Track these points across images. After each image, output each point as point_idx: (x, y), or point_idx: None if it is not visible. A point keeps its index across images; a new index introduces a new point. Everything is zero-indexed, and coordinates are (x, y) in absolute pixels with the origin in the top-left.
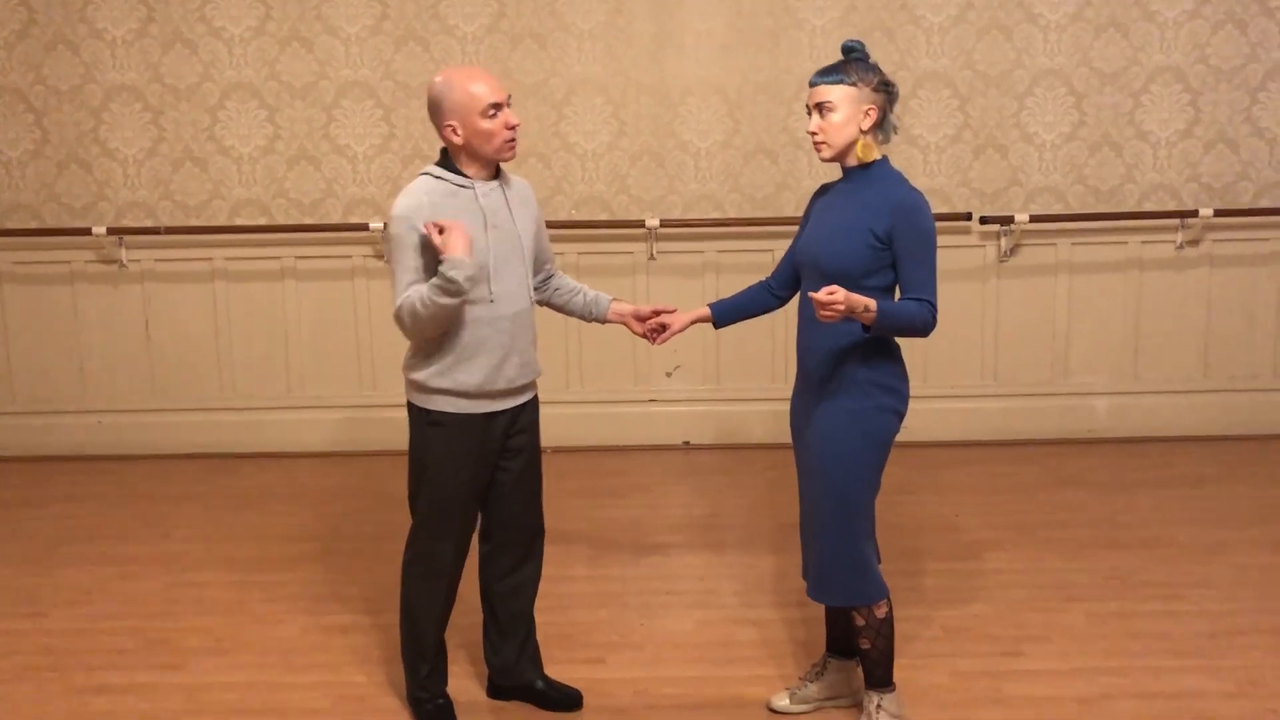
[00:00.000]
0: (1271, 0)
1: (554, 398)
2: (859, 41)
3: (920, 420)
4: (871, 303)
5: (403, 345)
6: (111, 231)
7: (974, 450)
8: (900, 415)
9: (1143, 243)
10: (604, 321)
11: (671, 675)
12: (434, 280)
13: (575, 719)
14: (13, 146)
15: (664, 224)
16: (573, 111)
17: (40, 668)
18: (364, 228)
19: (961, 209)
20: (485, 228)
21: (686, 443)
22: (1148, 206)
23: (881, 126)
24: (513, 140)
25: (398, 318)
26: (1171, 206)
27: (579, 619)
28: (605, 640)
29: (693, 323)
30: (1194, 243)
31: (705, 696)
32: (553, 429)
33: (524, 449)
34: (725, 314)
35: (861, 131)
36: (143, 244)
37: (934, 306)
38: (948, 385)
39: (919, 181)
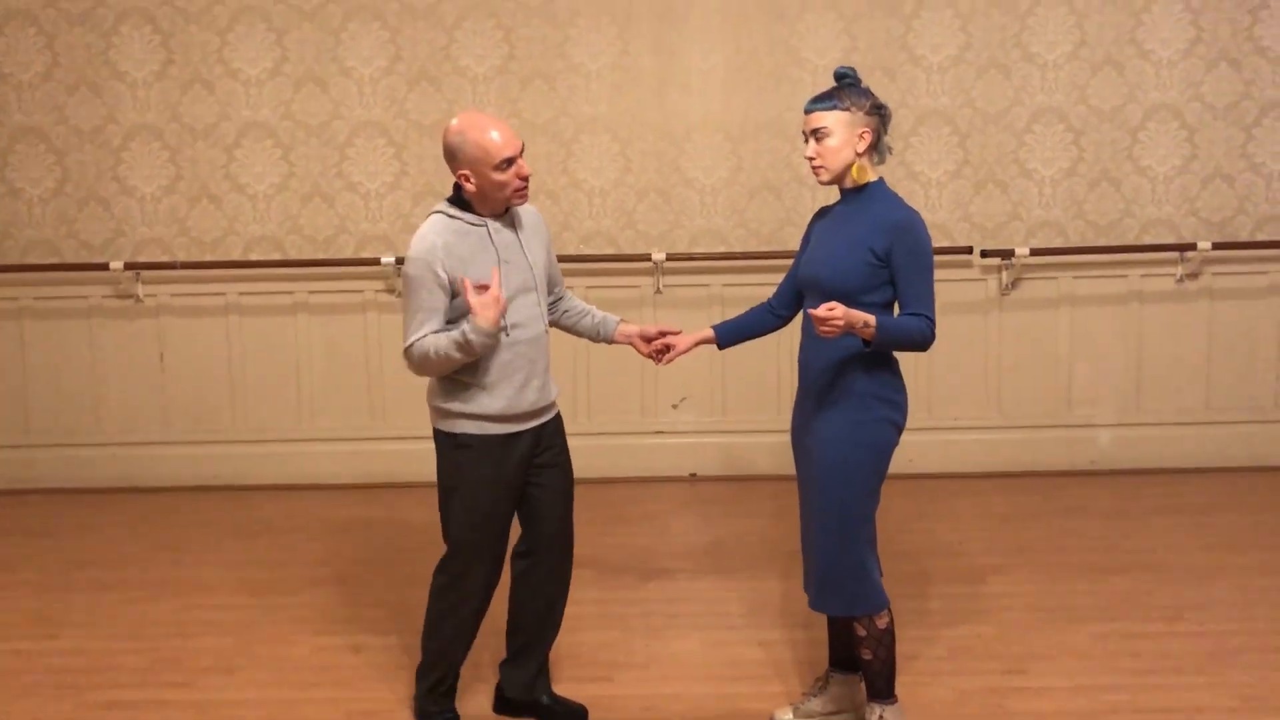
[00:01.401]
0: (1264, 39)
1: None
2: (850, 68)
3: (924, 452)
4: (870, 318)
5: (413, 378)
6: (129, 267)
7: (978, 482)
8: (899, 428)
9: (1143, 276)
10: (611, 342)
11: (677, 692)
12: (454, 335)
13: None
14: (34, 185)
15: (670, 258)
16: (581, 149)
17: (52, 686)
18: (375, 262)
19: (963, 243)
20: (499, 263)
21: (693, 475)
22: (1147, 240)
23: (876, 148)
24: (524, 189)
25: (407, 355)
26: (1170, 240)
27: (586, 640)
28: (612, 659)
29: (697, 344)
30: (1193, 276)
31: (711, 712)
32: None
33: (555, 463)
34: (729, 335)
35: (857, 154)
36: (159, 279)
37: (931, 321)
38: (951, 417)
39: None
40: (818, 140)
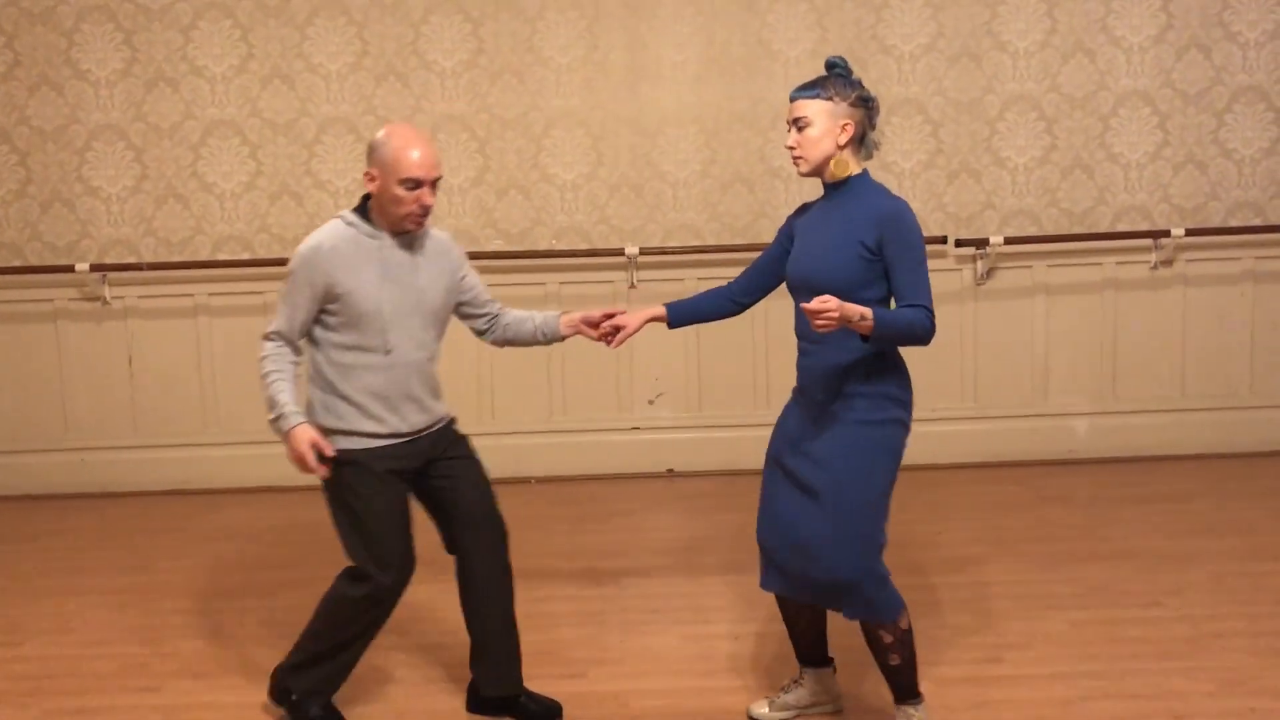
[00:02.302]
0: (1234, 25)
1: (537, 427)
2: (842, 58)
3: None
4: (868, 311)
5: None
6: (95, 268)
7: (954, 472)
8: (907, 427)
9: (1117, 264)
10: (562, 338)
11: (652, 688)
12: (282, 399)
13: None
14: None
15: (643, 252)
16: (552, 144)
17: (17, 693)
18: None
19: (937, 233)
20: (383, 280)
21: (670, 470)
22: (1120, 227)
23: (862, 143)
24: (419, 216)
25: (263, 342)
26: (1144, 227)
27: (561, 637)
28: (586, 656)
29: (648, 321)
30: (1168, 263)
31: (686, 707)
32: (536, 458)
33: (456, 457)
34: (681, 315)
35: (838, 146)
36: (126, 280)
37: (930, 312)
38: (928, 408)
39: None
40: (799, 129)
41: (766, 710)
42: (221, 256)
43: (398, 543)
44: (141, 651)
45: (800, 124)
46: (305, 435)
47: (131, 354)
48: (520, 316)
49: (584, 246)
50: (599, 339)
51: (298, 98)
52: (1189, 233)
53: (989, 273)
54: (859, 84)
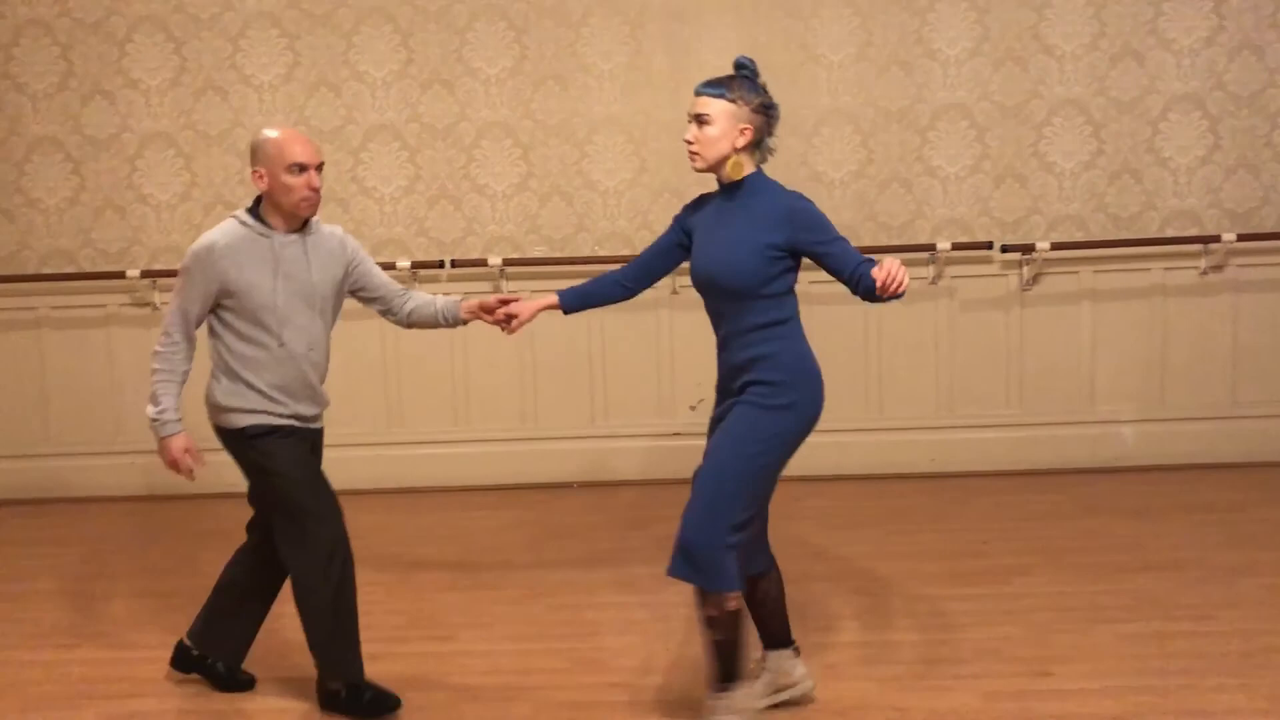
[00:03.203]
0: None
1: (578, 432)
2: (749, 60)
3: (945, 451)
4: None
5: (432, 380)
6: (145, 275)
7: (999, 480)
8: (807, 418)
9: (1166, 269)
10: (462, 322)
11: (695, 697)
12: (166, 399)
13: None
14: (51, 194)
15: None
16: (594, 150)
17: (73, 695)
18: (392, 266)
19: (982, 238)
20: (276, 275)
21: None
22: (1170, 233)
23: (758, 146)
24: (310, 199)
25: (156, 345)
26: (1193, 232)
27: (605, 645)
28: (631, 664)
29: (541, 310)
30: (1218, 268)
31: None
32: (577, 463)
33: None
34: (575, 301)
35: (735, 148)
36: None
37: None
38: (972, 415)
39: (938, 212)
40: (699, 126)
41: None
42: None
43: (323, 494)
44: None
45: (701, 120)
46: (180, 444)
47: None
48: (424, 300)
49: (627, 252)
50: (494, 324)
51: (344, 105)
52: (1240, 238)
53: (1035, 278)
54: (763, 90)
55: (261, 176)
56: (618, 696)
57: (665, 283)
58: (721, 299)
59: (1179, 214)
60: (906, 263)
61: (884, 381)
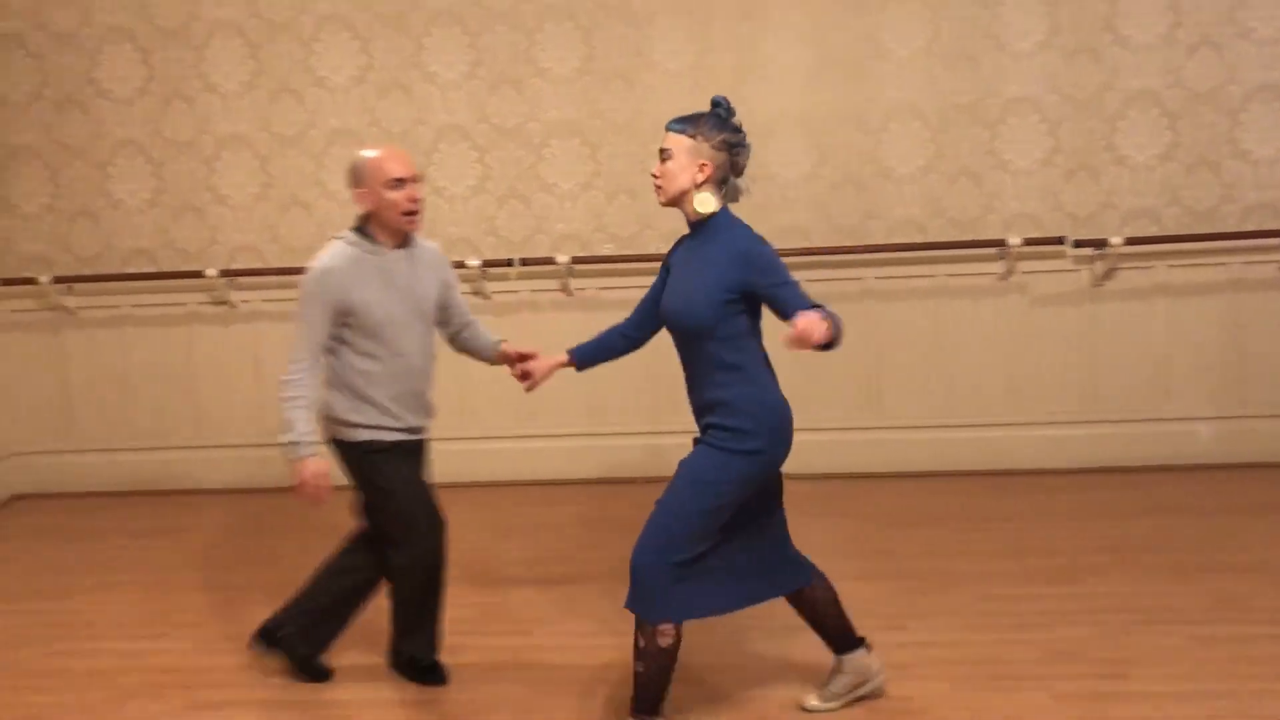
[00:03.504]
0: None
1: (643, 429)
2: (723, 99)
3: (1015, 448)
4: (820, 320)
5: (502, 377)
6: (223, 274)
7: (1071, 477)
8: (768, 460)
9: (1244, 264)
10: (495, 364)
11: (768, 695)
12: (300, 423)
13: None
14: (133, 196)
15: None
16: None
17: (158, 685)
18: (462, 265)
19: (1054, 233)
20: (389, 290)
21: None
22: (1248, 226)
23: (724, 184)
24: (414, 212)
25: (287, 372)
26: (1273, 226)
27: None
28: (703, 662)
29: (555, 368)
30: None
31: (804, 717)
32: (641, 460)
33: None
34: (586, 357)
35: (695, 184)
36: (251, 285)
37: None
38: (1043, 412)
39: (1008, 206)
40: (662, 160)
41: (816, 702)
42: None
43: (428, 510)
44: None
45: (664, 155)
46: (315, 467)
47: (257, 355)
48: (481, 332)
49: None
50: (514, 376)
51: (415, 106)
52: None
53: (1108, 274)
54: (734, 128)
55: (364, 195)
56: (690, 691)
57: None
58: (681, 339)
59: (1258, 207)
60: (976, 258)
61: (952, 379)
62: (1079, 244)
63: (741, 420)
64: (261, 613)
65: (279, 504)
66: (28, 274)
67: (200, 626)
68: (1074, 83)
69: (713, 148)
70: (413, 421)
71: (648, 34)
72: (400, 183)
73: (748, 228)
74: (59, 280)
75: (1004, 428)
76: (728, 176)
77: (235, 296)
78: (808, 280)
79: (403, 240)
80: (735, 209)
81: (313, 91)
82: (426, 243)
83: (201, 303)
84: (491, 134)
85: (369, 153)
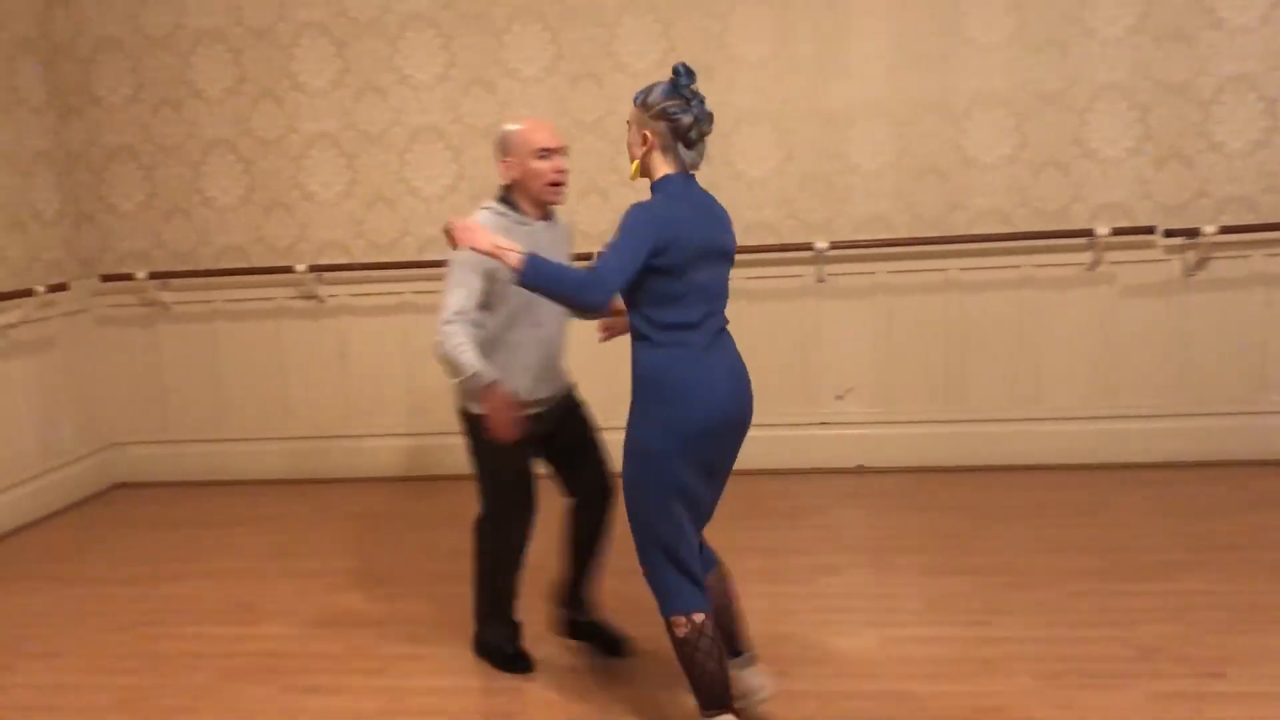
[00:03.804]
0: None
1: None
2: (683, 66)
3: (1103, 442)
4: (507, 244)
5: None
6: (312, 269)
7: (1161, 472)
8: (680, 435)
9: None
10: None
11: (854, 689)
12: (477, 364)
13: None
14: (225, 194)
15: (833, 246)
16: (740, 139)
17: (254, 670)
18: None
19: (1144, 223)
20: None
21: (860, 466)
22: None
23: (672, 152)
24: (558, 183)
25: (442, 330)
26: None
27: (759, 633)
28: (786, 654)
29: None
30: None
31: (889, 711)
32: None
33: (578, 422)
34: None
35: (642, 153)
36: (339, 279)
37: (597, 278)
38: (1132, 405)
39: (1096, 195)
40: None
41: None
42: (427, 257)
43: (526, 495)
44: (366, 633)
45: (628, 126)
46: (506, 391)
47: (344, 349)
48: None
49: (772, 241)
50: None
51: (497, 103)
52: None
53: (1201, 263)
54: (683, 96)
55: (510, 165)
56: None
57: (810, 271)
58: None
59: None
60: (1062, 249)
61: (1039, 371)
62: (1170, 233)
63: (641, 388)
64: (349, 600)
65: (359, 494)
66: (125, 270)
67: (289, 614)
68: (1164, 68)
69: (650, 117)
70: (540, 394)
71: (730, 24)
72: (548, 153)
73: (663, 197)
74: (155, 276)
75: (1092, 421)
76: (672, 143)
77: (323, 291)
78: (890, 271)
79: (545, 212)
80: (814, 193)
81: (397, 89)
82: (560, 217)
83: (290, 297)
84: (572, 128)
85: (515, 125)
